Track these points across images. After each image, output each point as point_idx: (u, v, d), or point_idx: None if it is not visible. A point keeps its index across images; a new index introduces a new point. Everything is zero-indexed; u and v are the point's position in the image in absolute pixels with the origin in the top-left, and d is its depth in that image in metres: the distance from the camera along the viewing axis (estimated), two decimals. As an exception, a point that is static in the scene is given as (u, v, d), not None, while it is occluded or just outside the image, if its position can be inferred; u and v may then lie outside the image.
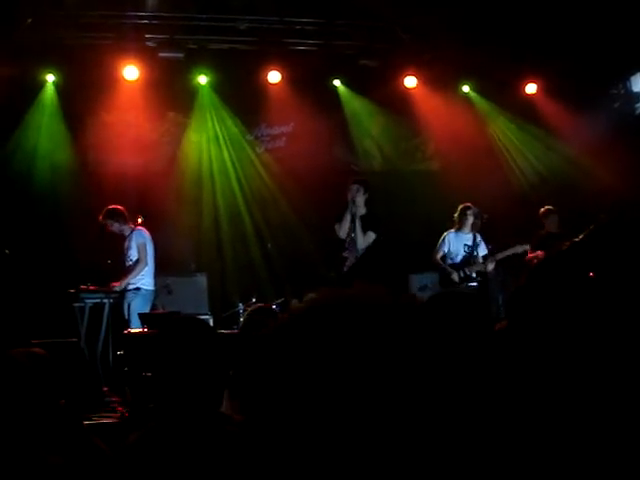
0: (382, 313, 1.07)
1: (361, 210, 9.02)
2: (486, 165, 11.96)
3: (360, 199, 8.99)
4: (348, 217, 8.96)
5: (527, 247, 9.79)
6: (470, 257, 9.76)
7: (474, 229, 9.86)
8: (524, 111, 12.46)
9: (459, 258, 9.81)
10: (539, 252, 9.89)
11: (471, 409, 1.04)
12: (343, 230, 9.00)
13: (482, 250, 9.79)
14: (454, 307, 2.72)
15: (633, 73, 12.59)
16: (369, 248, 9.00)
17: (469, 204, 9.88)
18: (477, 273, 9.74)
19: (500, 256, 9.71)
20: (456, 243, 9.84)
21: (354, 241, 8.96)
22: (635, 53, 11.87)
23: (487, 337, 2.38)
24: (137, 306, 8.96)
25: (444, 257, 9.86)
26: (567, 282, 2.12)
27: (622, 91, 12.86)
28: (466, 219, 9.80)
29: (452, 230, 9.90)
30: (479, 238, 9.85)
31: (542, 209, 10.49)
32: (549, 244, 10.11)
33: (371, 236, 9.03)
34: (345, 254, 9.01)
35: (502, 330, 2.39)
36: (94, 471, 3.06)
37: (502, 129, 12.78)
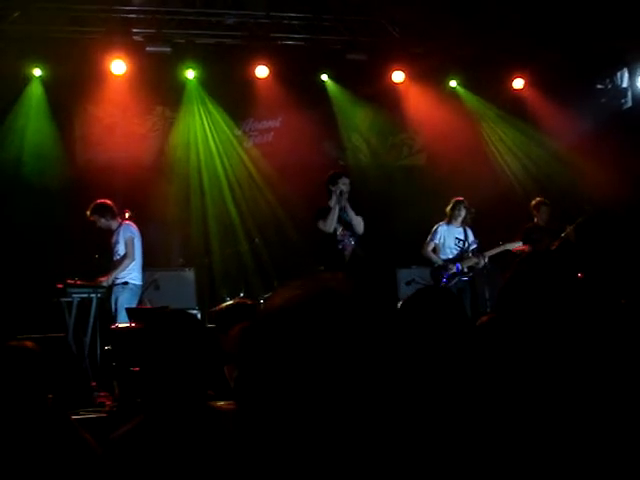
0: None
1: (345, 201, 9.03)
2: (473, 160, 11.98)
3: (348, 190, 8.99)
4: (336, 210, 8.89)
5: (519, 244, 9.84)
6: (463, 251, 9.82)
7: (465, 223, 9.91)
8: (511, 106, 12.50)
9: (449, 251, 9.86)
10: (525, 246, 9.96)
11: (450, 399, 1.06)
12: (330, 223, 8.91)
13: (472, 244, 9.85)
14: (433, 303, 2.73)
15: (620, 68, 12.63)
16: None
17: (462, 198, 9.93)
18: (469, 268, 9.81)
19: (491, 253, 9.78)
20: (447, 236, 9.90)
21: (347, 232, 8.94)
22: (622, 49, 11.93)
23: (465, 332, 2.39)
24: (125, 300, 8.94)
25: (435, 249, 9.92)
26: (554, 277, 2.13)
27: (609, 86, 12.90)
28: (459, 213, 9.86)
29: (444, 222, 9.94)
30: (469, 232, 9.90)
31: (534, 200, 10.54)
32: (536, 237, 10.16)
33: (360, 219, 9.02)
34: (340, 246, 8.96)
35: (485, 324, 2.41)
36: (82, 466, 3.07)
37: (489, 124, 12.80)
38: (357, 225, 8.89)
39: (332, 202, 8.94)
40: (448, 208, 9.93)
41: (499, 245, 9.89)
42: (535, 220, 10.45)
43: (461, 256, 9.83)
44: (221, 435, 2.62)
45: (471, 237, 9.90)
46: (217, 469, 2.55)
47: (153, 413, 2.77)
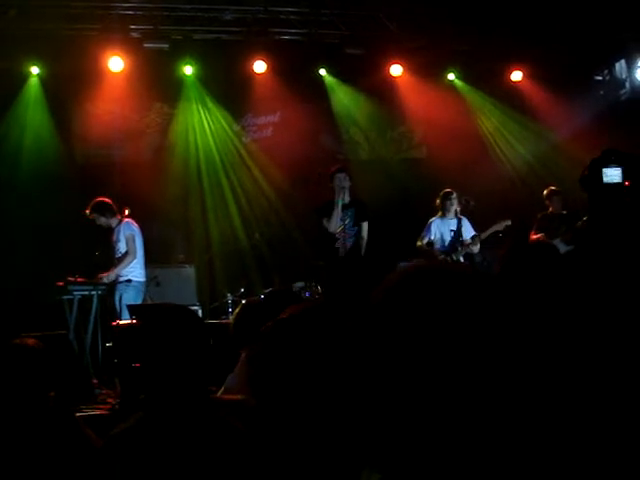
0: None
1: (347, 198, 9.03)
2: (473, 152, 11.97)
3: (347, 185, 8.98)
4: (339, 208, 8.88)
5: (508, 222, 9.77)
6: (456, 241, 9.78)
7: (458, 214, 9.86)
8: (510, 98, 12.49)
9: (447, 243, 9.83)
10: (540, 235, 9.94)
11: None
12: (334, 224, 8.90)
13: (468, 234, 9.78)
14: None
15: (618, 60, 12.61)
16: (363, 238, 9.02)
17: (450, 189, 9.89)
18: (464, 257, 9.77)
19: (484, 235, 9.71)
20: (442, 229, 9.85)
21: (348, 232, 8.94)
22: (620, 40, 11.91)
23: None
24: (129, 298, 8.94)
25: (430, 243, 9.87)
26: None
27: (607, 77, 12.88)
28: (448, 205, 9.80)
29: (437, 217, 9.91)
30: (464, 221, 9.84)
31: (546, 190, 10.49)
32: (555, 225, 10.12)
33: (366, 226, 9.05)
34: (337, 245, 8.97)
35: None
36: (85, 462, 3.07)
37: (488, 116, 12.80)
38: (362, 230, 8.95)
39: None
40: (437, 201, 9.89)
41: (488, 228, 9.82)
42: (550, 209, 10.41)
43: (453, 246, 9.78)
44: (223, 429, 2.62)
45: (466, 226, 9.82)
46: (219, 464, 2.55)
47: (154, 409, 2.77)
